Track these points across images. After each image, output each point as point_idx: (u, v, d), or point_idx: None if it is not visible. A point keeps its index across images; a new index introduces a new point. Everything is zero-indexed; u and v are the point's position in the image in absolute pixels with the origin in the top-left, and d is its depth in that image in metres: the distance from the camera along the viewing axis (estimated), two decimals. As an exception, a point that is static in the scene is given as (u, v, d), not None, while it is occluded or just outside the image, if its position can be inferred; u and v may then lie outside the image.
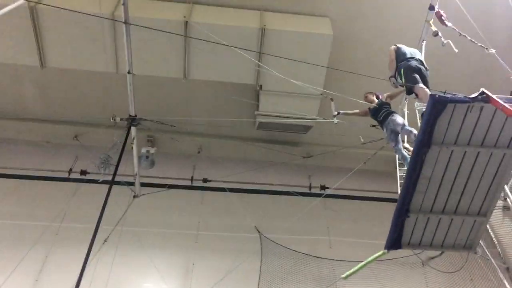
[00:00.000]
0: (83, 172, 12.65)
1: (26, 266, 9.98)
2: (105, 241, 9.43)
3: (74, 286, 8.26)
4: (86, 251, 8.63)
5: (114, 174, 9.75)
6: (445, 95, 5.56)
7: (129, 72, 8.86)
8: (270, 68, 8.95)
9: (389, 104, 8.01)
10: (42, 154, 12.87)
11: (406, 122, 7.52)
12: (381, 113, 7.74)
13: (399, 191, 7.30)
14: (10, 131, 12.95)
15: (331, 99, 8.67)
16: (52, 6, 8.00)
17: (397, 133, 7.46)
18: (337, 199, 12.65)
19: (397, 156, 7.92)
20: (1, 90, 12.20)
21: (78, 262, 8.51)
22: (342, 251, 11.41)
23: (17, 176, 12.35)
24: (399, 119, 7.46)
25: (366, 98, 8.25)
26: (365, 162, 9.89)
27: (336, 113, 8.58)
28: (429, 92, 6.43)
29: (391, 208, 6.77)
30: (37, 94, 12.34)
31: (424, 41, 8.30)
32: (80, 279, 8.32)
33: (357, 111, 8.50)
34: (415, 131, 6.71)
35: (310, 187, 13.30)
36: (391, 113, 7.63)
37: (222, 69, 10.93)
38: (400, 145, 7.54)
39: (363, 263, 7.25)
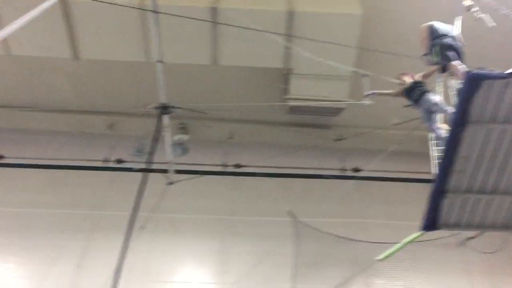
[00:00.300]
0: (119, 161, 12.91)
1: (68, 253, 10.35)
2: (142, 228, 9.62)
3: (114, 272, 8.49)
4: (124, 238, 8.84)
5: (149, 162, 9.92)
6: (481, 72, 5.40)
7: (159, 61, 8.93)
8: (299, 51, 8.86)
9: (423, 83, 7.82)
10: (78, 145, 13.19)
11: (441, 101, 7.34)
12: (415, 92, 7.57)
13: (435, 172, 7.16)
14: (46, 123, 13.32)
15: (365, 76, 8.50)
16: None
17: (432, 112, 7.30)
18: (371, 181, 12.48)
19: (432, 136, 7.75)
20: (36, 83, 12.52)
21: (117, 249, 8.74)
22: (377, 233, 11.26)
23: (55, 166, 12.71)
24: (434, 97, 7.28)
25: (399, 79, 8.08)
26: (399, 143, 9.74)
27: (369, 92, 8.43)
28: (464, 69, 6.26)
29: (426, 189, 6.68)
30: (71, 86, 12.61)
31: (459, 16, 8.03)
32: (120, 265, 8.54)
33: (390, 91, 8.34)
34: (450, 110, 6.55)
35: (343, 170, 13.20)
36: (426, 92, 7.45)
37: (251, 54, 10.90)
38: (436, 125, 7.37)
39: (399, 245, 7.20)
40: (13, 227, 11.21)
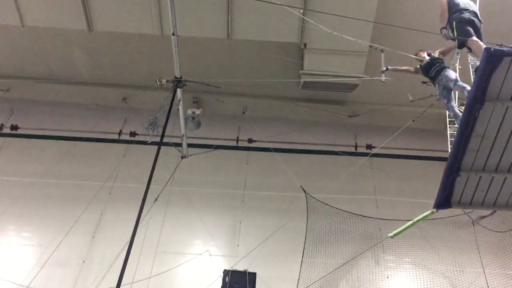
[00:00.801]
0: (133, 134, 12.98)
1: (83, 223, 10.52)
2: (155, 200, 9.73)
3: (128, 243, 8.64)
4: (138, 210, 8.97)
5: (162, 136, 9.97)
6: (501, 48, 5.28)
7: (173, 34, 8.88)
8: (314, 26, 8.73)
9: (441, 60, 7.69)
10: (93, 117, 13.26)
11: (458, 78, 7.22)
12: (433, 68, 7.44)
13: (449, 150, 7.10)
14: (61, 94, 13.42)
15: (382, 51, 8.35)
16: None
17: (450, 90, 7.19)
18: (384, 158, 12.44)
19: (448, 113, 7.66)
20: (52, 55, 12.58)
21: (131, 220, 8.87)
22: (389, 210, 11.33)
23: (70, 138, 12.86)
24: (451, 74, 7.16)
25: (417, 56, 7.94)
26: (413, 120, 9.65)
27: (384, 68, 8.31)
28: (483, 46, 6.12)
29: (440, 167, 6.65)
30: (86, 58, 12.63)
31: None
32: (133, 236, 8.68)
33: (407, 67, 8.22)
34: (468, 87, 6.45)
35: (356, 147, 13.14)
36: (444, 68, 7.32)
37: (265, 28, 10.79)
38: (453, 102, 7.28)
39: (410, 222, 7.21)
40: (29, 197, 11.43)
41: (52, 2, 10.69)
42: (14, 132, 13.13)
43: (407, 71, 8.20)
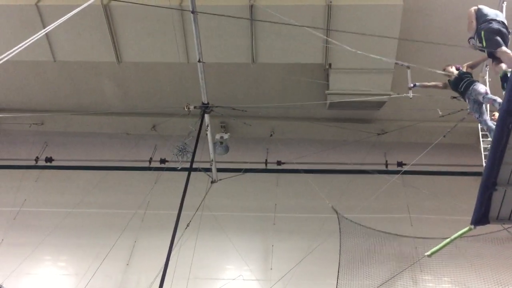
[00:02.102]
0: (163, 161, 13.16)
1: (117, 251, 10.62)
2: (187, 226, 9.77)
3: (162, 269, 8.66)
4: (170, 236, 9.01)
5: (192, 161, 10.06)
6: (532, 58, 5.17)
7: (199, 61, 9.03)
8: (339, 45, 8.75)
9: (470, 74, 7.57)
10: (123, 146, 13.54)
11: (488, 90, 7.08)
12: (462, 83, 7.33)
13: (483, 164, 6.93)
14: (92, 125, 13.76)
15: (408, 67, 8.25)
16: (124, 1, 8.29)
17: (480, 103, 7.06)
18: (416, 175, 12.20)
19: (480, 126, 7.50)
20: (82, 87, 12.94)
21: (164, 247, 8.91)
22: (424, 228, 11.08)
23: (102, 167, 13.11)
24: (481, 87, 7.03)
25: (445, 71, 7.84)
26: (444, 136, 9.49)
27: (412, 85, 8.19)
28: (513, 56, 6.01)
29: (474, 182, 6.50)
30: (115, 89, 12.95)
31: (505, 2, 7.73)
32: (167, 263, 8.71)
33: (435, 83, 8.10)
34: (499, 99, 6.32)
35: (386, 165, 12.97)
36: (473, 82, 7.21)
37: (290, 50, 10.87)
38: (485, 116, 7.13)
39: (448, 240, 6.99)
40: (64, 227, 11.64)
41: (82, 37, 11.06)
42: (49, 164, 13.53)
43: (435, 86, 8.08)
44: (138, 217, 11.58)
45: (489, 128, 7.03)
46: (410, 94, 8.25)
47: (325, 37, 9.41)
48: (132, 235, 11.31)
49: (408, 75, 8.20)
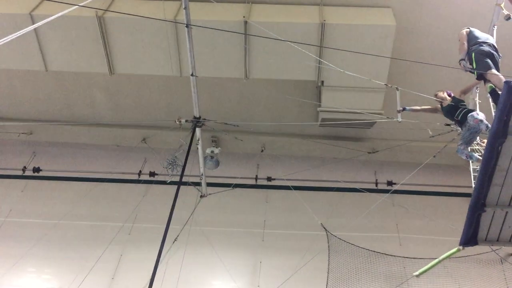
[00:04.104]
0: (152, 174, 13.07)
1: (103, 264, 10.47)
2: (175, 240, 9.67)
3: (148, 284, 8.54)
4: (157, 250, 8.90)
5: (182, 175, 9.98)
6: (522, 81, 5.22)
7: (192, 75, 9.03)
8: (332, 63, 8.82)
9: (464, 102, 7.64)
10: (113, 158, 13.45)
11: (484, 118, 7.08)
12: (458, 112, 7.34)
13: (473, 185, 6.95)
14: (82, 136, 13.65)
15: (397, 89, 8.30)
16: (119, 12, 8.30)
17: (476, 132, 7.05)
18: (405, 195, 12.24)
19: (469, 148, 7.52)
20: (73, 98, 12.89)
21: (151, 260, 8.80)
22: (412, 248, 11.07)
23: (90, 179, 12.97)
24: (480, 115, 7.01)
25: (436, 96, 7.88)
26: (434, 156, 9.51)
27: (401, 108, 8.22)
28: (503, 79, 6.09)
29: (464, 203, 6.51)
30: (106, 100, 12.91)
31: (495, 26, 7.85)
32: (153, 277, 8.59)
33: (426, 107, 8.15)
34: (486, 122, 6.38)
35: (376, 183, 12.99)
36: (470, 111, 7.23)
37: (282, 67, 10.91)
38: (469, 147, 7.18)
39: (436, 260, 7.00)
40: (49, 238, 11.47)
41: (75, 47, 11.03)
42: (36, 174, 13.36)
43: (425, 110, 8.13)
44: (125, 230, 11.45)
45: (468, 156, 7.09)
46: (399, 118, 8.27)
47: (317, 57, 9.48)
48: (118, 248, 11.16)
49: (398, 98, 8.25)
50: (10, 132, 13.40)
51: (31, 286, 10.86)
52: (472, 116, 7.00)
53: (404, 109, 8.21)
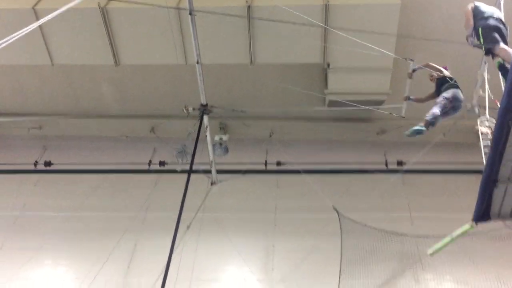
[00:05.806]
0: (162, 163, 13.12)
1: (118, 254, 10.61)
2: (188, 227, 9.75)
3: (164, 272, 8.64)
4: (171, 238, 8.99)
5: (191, 163, 10.04)
6: (531, 54, 5.16)
7: (197, 62, 9.03)
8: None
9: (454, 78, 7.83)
10: (122, 149, 13.51)
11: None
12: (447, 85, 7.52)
13: (484, 161, 6.90)
14: (91, 128, 13.73)
15: (411, 60, 8.26)
16: (121, 1, 8.28)
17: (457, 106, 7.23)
18: (416, 174, 12.17)
19: (478, 123, 7.51)
20: (81, 91, 12.92)
21: (165, 248, 8.90)
22: (425, 227, 11.00)
23: (101, 171, 13.07)
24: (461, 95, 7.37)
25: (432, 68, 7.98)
26: (444, 134, 9.46)
27: (408, 95, 8.31)
28: (512, 52, 6.02)
29: (475, 180, 6.46)
30: (113, 92, 12.93)
31: (503, -1, 7.73)
32: (168, 265, 8.69)
33: (428, 94, 8.23)
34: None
35: (386, 164, 12.94)
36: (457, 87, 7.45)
37: (288, 50, 10.85)
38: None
39: (449, 238, 7.00)
40: (64, 231, 11.63)
41: (80, 40, 11.05)
42: (48, 168, 13.47)
43: (427, 98, 8.22)
44: (138, 220, 11.55)
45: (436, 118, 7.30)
46: (403, 111, 8.34)
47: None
48: (132, 238, 11.25)
49: (410, 66, 8.23)
50: (20, 127, 13.50)
51: (48, 278, 11.01)
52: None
53: (409, 98, 8.25)
